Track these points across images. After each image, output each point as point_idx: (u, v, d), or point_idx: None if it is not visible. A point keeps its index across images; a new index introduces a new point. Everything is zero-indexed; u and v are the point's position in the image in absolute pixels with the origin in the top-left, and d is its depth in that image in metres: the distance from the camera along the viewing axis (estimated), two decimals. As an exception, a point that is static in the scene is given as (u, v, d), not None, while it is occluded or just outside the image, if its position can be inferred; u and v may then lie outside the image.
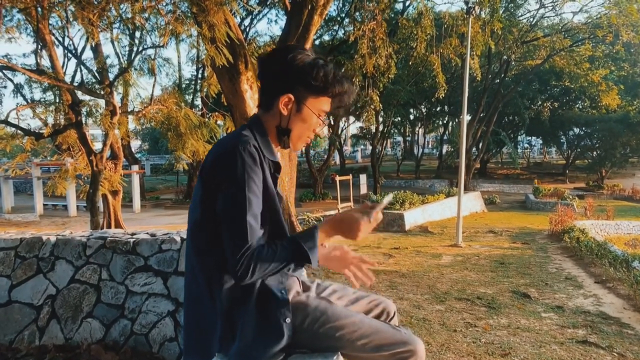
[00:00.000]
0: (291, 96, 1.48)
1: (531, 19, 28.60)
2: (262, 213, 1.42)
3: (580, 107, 40.70)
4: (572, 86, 33.55)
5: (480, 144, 34.40)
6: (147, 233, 3.97)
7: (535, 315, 6.01)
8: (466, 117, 14.43)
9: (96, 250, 3.87)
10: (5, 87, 13.72)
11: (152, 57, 11.46)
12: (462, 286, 7.52)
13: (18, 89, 13.62)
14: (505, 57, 30.12)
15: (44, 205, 24.59)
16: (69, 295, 3.82)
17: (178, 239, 3.67)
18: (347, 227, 1.50)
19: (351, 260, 1.62)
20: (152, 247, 3.73)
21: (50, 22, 10.28)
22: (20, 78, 11.53)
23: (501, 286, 7.62)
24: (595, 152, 40.02)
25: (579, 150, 42.52)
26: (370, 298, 1.80)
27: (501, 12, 20.19)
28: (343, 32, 22.78)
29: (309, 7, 8.34)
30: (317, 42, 23.50)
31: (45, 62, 10.88)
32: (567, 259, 10.42)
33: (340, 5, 21.67)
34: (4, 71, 10.99)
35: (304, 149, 34.02)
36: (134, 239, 3.75)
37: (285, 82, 1.48)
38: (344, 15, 22.27)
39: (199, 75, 26.95)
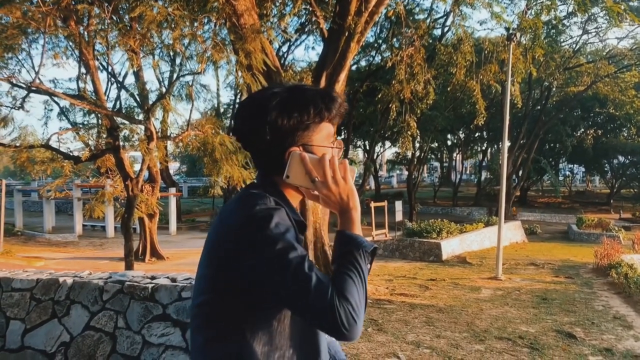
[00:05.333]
0: (296, 148, 1.24)
1: (574, 45, 28.01)
2: None
3: (626, 134, 39.42)
4: (617, 113, 32.51)
5: (521, 172, 33.63)
6: (168, 277, 3.79)
7: (582, 358, 5.67)
8: (506, 144, 14.07)
9: (113, 295, 3.71)
10: (51, 110, 14.16)
11: (190, 83, 11.63)
12: (502, 324, 7.17)
13: (63, 112, 14.05)
14: (546, 83, 29.56)
15: (84, 225, 25.22)
16: (83, 344, 3.66)
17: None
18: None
19: None
20: (172, 295, 3.53)
21: (95, 47, 10.56)
22: (65, 102, 11.88)
23: (544, 324, 7.25)
24: (642, 182, 38.57)
25: (624, 179, 41.13)
26: None
27: (543, 38, 19.81)
28: (380, 58, 22.78)
29: (347, 35, 8.29)
30: (353, 67, 23.57)
31: (89, 86, 11.18)
32: (615, 296, 9.89)
33: (378, 31, 21.69)
34: (51, 96, 11.32)
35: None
36: (152, 284, 3.57)
37: (283, 140, 1.24)
38: (381, 41, 22.30)
39: (237, 100, 27.39)
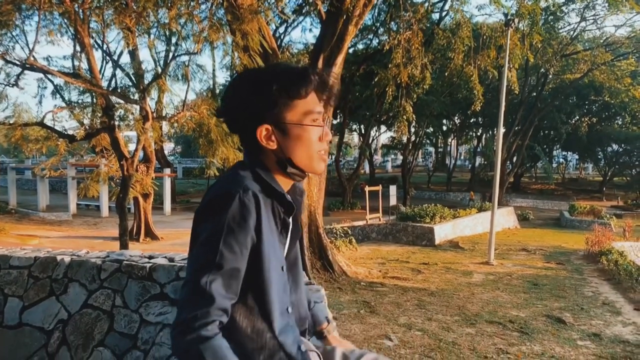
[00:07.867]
0: (267, 126, 1.22)
1: (571, 32, 27.94)
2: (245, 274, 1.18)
3: (620, 123, 39.56)
4: (612, 101, 32.59)
5: (515, 158, 33.75)
6: (165, 257, 3.81)
7: (570, 342, 5.74)
8: (501, 130, 14.11)
9: (111, 274, 3.71)
10: (45, 87, 14.03)
11: (186, 63, 11.55)
12: (493, 308, 7.26)
13: (57, 90, 13.95)
14: (543, 70, 29.53)
15: (78, 204, 25.13)
16: (80, 321, 3.67)
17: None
18: None
19: None
20: (169, 274, 3.54)
21: (90, 25, 10.43)
22: (60, 79, 11.78)
23: (534, 309, 7.34)
24: (634, 170, 38.79)
25: (617, 167, 41.38)
26: None
27: (541, 24, 19.74)
28: (377, 41, 22.67)
29: (345, 17, 8.24)
30: (350, 50, 23.41)
31: (84, 64, 11.08)
32: (604, 283, 10.01)
33: (376, 14, 21.54)
34: (45, 74, 11.22)
35: (333, 156, 33.88)
36: (150, 264, 3.58)
37: (251, 117, 1.23)
38: (379, 24, 22.16)
39: (233, 81, 27.17)
